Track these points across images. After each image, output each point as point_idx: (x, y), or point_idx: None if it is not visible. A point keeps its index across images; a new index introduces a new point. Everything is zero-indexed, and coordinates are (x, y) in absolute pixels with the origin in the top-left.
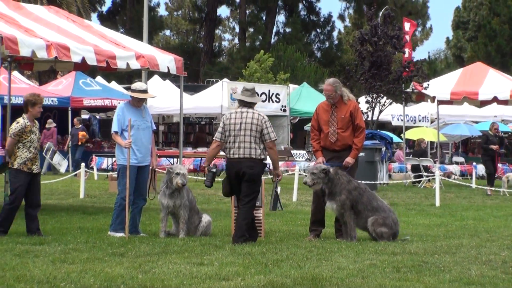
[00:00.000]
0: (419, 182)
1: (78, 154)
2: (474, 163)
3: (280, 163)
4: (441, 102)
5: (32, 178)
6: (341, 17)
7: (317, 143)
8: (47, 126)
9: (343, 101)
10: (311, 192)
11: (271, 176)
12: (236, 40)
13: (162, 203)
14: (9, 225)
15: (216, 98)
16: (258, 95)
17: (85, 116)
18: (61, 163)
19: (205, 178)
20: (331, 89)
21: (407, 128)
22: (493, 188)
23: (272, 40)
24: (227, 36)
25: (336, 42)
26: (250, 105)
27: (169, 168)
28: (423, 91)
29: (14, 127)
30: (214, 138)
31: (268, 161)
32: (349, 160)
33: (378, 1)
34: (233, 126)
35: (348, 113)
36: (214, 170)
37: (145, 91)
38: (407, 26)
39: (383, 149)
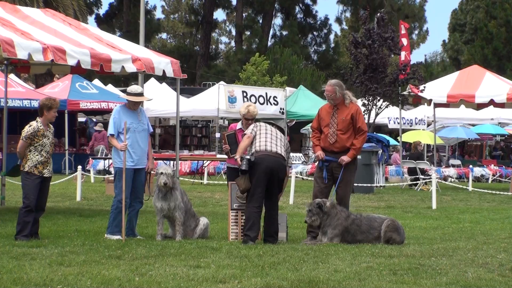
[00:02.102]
0: (416, 184)
1: None
2: (470, 166)
3: None
4: (437, 105)
5: (42, 182)
6: (338, 20)
7: (316, 140)
8: (97, 129)
9: (345, 103)
10: (308, 195)
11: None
12: (233, 43)
13: (156, 206)
14: (29, 229)
15: (212, 101)
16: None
17: (81, 119)
18: None
19: (240, 165)
20: (331, 89)
21: (404, 131)
22: None
23: (269, 43)
24: (224, 39)
25: (332, 45)
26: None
27: (155, 169)
28: (420, 94)
29: (26, 130)
30: (245, 133)
31: None
32: (344, 158)
33: (374, 4)
34: (264, 130)
35: (349, 116)
36: (248, 157)
37: (140, 94)
38: (403, 29)
39: (380, 152)
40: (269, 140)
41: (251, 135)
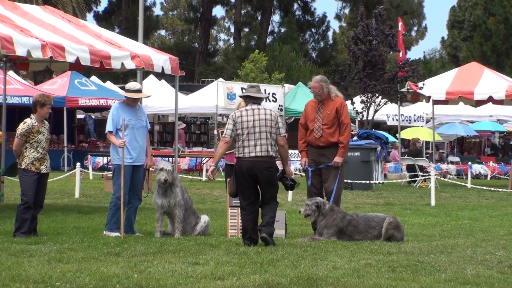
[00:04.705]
0: (415, 181)
1: None
2: (469, 163)
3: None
4: (436, 102)
5: (40, 178)
6: (338, 17)
7: (302, 142)
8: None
9: (330, 98)
10: (306, 192)
11: (288, 182)
12: (231, 40)
13: (156, 203)
14: (27, 226)
15: (211, 98)
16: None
17: (80, 115)
18: None
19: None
20: (318, 86)
21: (403, 128)
22: None
23: (267, 40)
24: (222, 36)
25: (331, 42)
26: (258, 101)
27: (155, 166)
28: (419, 91)
29: (21, 127)
30: (223, 135)
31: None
32: (337, 160)
33: (373, 1)
34: (246, 124)
35: (334, 110)
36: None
37: (139, 91)
38: (399, 26)
39: (379, 148)
40: (247, 139)
41: (229, 139)
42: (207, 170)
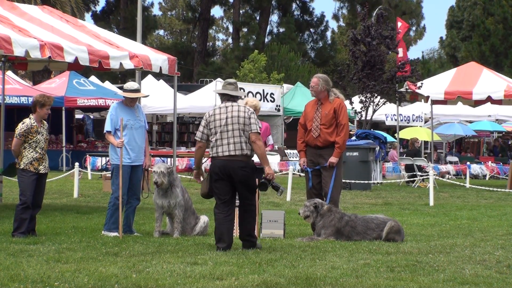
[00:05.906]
0: (413, 181)
1: None
2: (468, 163)
3: (276, 162)
4: (435, 102)
5: (39, 178)
6: (336, 17)
7: (301, 142)
8: None
9: (329, 99)
10: (305, 191)
11: (263, 180)
12: (230, 40)
13: (156, 203)
14: (26, 226)
15: (209, 98)
16: (242, 90)
17: (79, 115)
18: None
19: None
20: (316, 81)
21: (401, 127)
22: None
23: (266, 40)
24: (221, 36)
25: (329, 41)
26: (234, 99)
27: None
28: (417, 90)
29: (20, 127)
30: (195, 138)
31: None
32: (332, 160)
33: (371, 1)
34: (219, 122)
35: (332, 110)
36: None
37: (137, 90)
38: (399, 25)
39: (377, 148)
40: (220, 138)
41: (203, 143)
42: (205, 170)
